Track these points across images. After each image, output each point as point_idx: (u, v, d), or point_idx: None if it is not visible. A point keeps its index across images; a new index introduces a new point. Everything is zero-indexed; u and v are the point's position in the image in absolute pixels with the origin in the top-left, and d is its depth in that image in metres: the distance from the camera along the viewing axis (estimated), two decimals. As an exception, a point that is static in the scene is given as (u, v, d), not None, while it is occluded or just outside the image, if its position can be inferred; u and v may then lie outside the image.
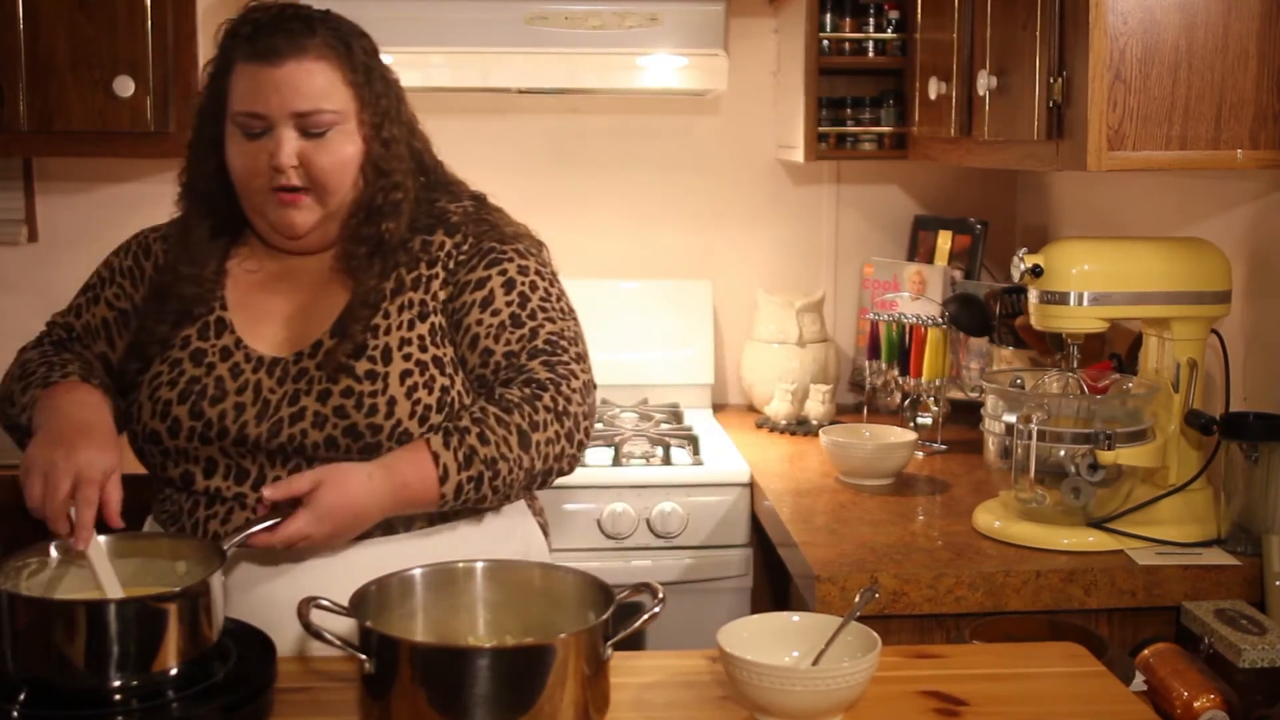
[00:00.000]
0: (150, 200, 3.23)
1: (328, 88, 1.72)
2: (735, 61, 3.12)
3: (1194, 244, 2.21)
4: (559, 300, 1.82)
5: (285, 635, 1.59)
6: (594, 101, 3.30)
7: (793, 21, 3.11)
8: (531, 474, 1.70)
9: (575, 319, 1.83)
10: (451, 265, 1.79)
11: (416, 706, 1.35)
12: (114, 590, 1.52)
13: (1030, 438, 2.12)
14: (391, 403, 1.71)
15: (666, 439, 2.90)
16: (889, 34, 3.01)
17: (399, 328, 1.75)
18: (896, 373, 2.97)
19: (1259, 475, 2.11)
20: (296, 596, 1.45)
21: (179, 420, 1.72)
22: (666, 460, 2.82)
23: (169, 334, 1.78)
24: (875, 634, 1.50)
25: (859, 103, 3.06)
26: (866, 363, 3.05)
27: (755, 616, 1.60)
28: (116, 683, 1.38)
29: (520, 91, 3.20)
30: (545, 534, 1.95)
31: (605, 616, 1.43)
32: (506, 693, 1.34)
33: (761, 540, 2.71)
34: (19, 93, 2.77)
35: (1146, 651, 1.89)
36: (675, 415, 3.17)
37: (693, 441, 2.91)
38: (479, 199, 1.89)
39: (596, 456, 2.84)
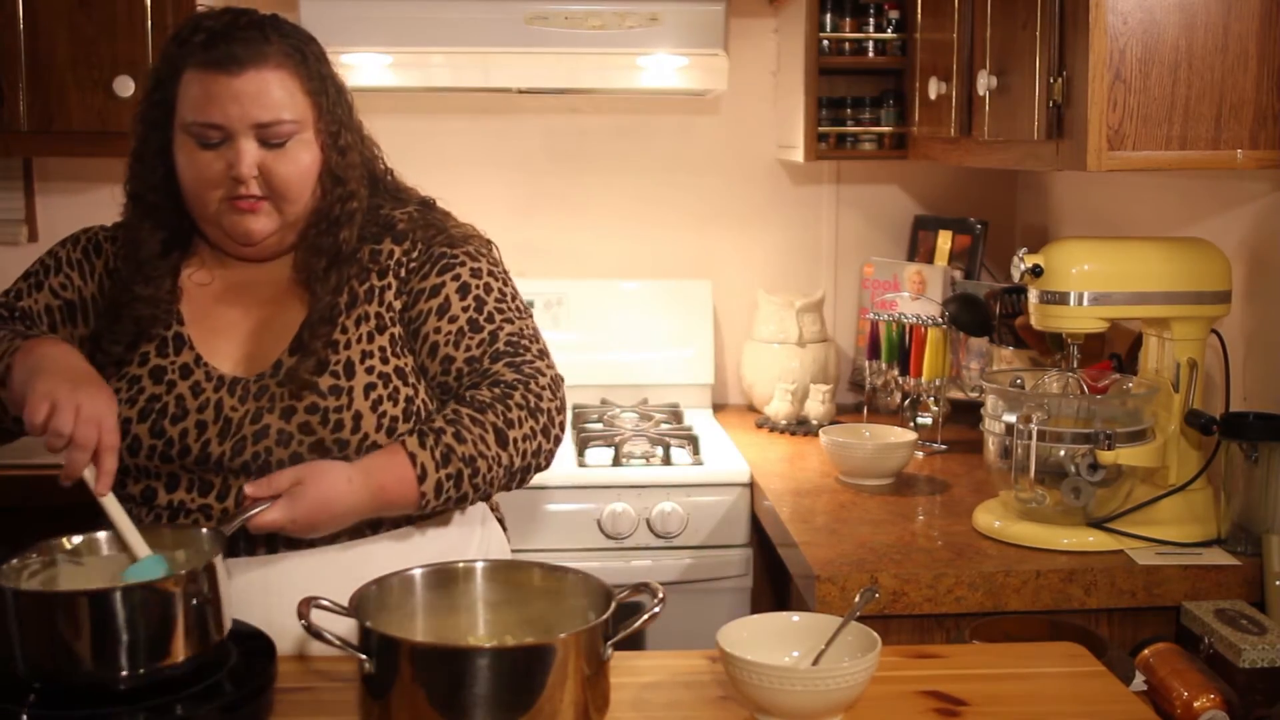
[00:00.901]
0: (150, 200, 3.24)
1: (287, 97, 1.70)
2: (735, 61, 3.12)
3: (1194, 244, 2.21)
4: (514, 300, 1.81)
5: (285, 638, 1.59)
6: (594, 101, 3.30)
7: (793, 21, 3.11)
8: (511, 471, 1.71)
9: (530, 316, 1.84)
10: (403, 274, 1.78)
11: (416, 706, 1.35)
12: (140, 546, 1.53)
13: (1030, 438, 2.12)
14: (357, 417, 1.70)
15: (666, 439, 2.90)
16: (889, 34, 3.01)
17: (358, 341, 1.74)
18: (896, 373, 2.97)
19: (1259, 475, 2.11)
20: (288, 599, 1.45)
21: (139, 439, 1.70)
22: (666, 460, 2.82)
23: (124, 353, 1.75)
24: (875, 634, 1.50)
25: (859, 103, 3.06)
26: (866, 363, 3.05)
27: (755, 616, 1.60)
28: (124, 673, 1.37)
29: (520, 91, 3.20)
30: (504, 529, 1.95)
31: (605, 616, 1.43)
32: (506, 693, 1.34)
33: (761, 540, 2.71)
34: (19, 93, 2.77)
35: (1146, 651, 1.89)
36: (675, 415, 3.17)
37: (693, 441, 2.91)
38: (425, 203, 1.87)
39: (596, 456, 2.84)
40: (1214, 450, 2.18)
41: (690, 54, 2.93)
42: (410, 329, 1.77)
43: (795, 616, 1.59)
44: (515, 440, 1.70)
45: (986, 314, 2.72)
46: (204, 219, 1.75)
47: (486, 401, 1.70)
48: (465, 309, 1.76)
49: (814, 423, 3.05)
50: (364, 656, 1.38)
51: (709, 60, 2.96)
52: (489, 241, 1.86)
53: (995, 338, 2.77)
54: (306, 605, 1.42)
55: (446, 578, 1.55)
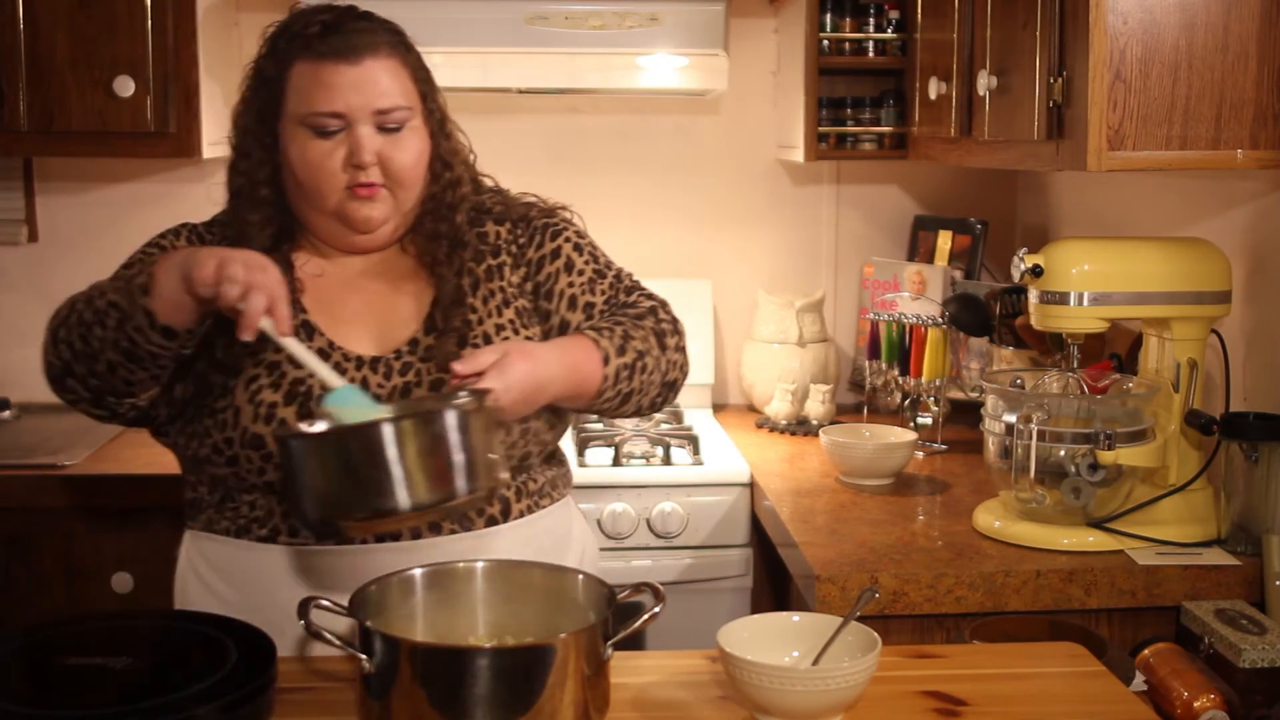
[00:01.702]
0: (150, 200, 3.24)
1: (399, 85, 1.75)
2: (735, 61, 3.12)
3: (1194, 244, 2.21)
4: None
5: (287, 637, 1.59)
6: (594, 101, 3.30)
7: (793, 21, 3.11)
8: (664, 380, 1.83)
9: None
10: (515, 250, 1.86)
11: (416, 706, 1.35)
12: (333, 377, 1.55)
13: (1030, 438, 2.12)
14: None
15: (666, 439, 2.90)
16: (889, 34, 3.01)
17: (491, 316, 1.80)
18: (896, 373, 2.97)
19: (1259, 475, 2.11)
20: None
21: (285, 422, 1.70)
22: (666, 460, 2.82)
23: (257, 342, 1.71)
24: (875, 634, 1.50)
25: (859, 103, 3.06)
26: (866, 363, 3.05)
27: (755, 616, 1.60)
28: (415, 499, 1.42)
29: (520, 91, 3.20)
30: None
31: (605, 616, 1.43)
32: (506, 693, 1.34)
33: (761, 540, 2.71)
34: (19, 93, 2.77)
35: (1146, 651, 1.89)
36: (675, 415, 3.17)
37: (693, 441, 2.91)
38: (496, 188, 1.93)
39: (596, 456, 2.84)
40: (1214, 450, 2.18)
41: (690, 54, 2.93)
42: (543, 292, 1.85)
43: (795, 616, 1.59)
44: (668, 349, 1.84)
45: (986, 314, 2.72)
46: (320, 210, 1.77)
47: (641, 311, 1.85)
48: (586, 262, 1.88)
49: (814, 423, 3.05)
50: (364, 656, 1.38)
51: (709, 60, 2.96)
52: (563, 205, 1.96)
53: (995, 338, 2.77)
54: (306, 605, 1.42)
55: (446, 578, 1.55)
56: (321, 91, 1.70)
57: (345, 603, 1.45)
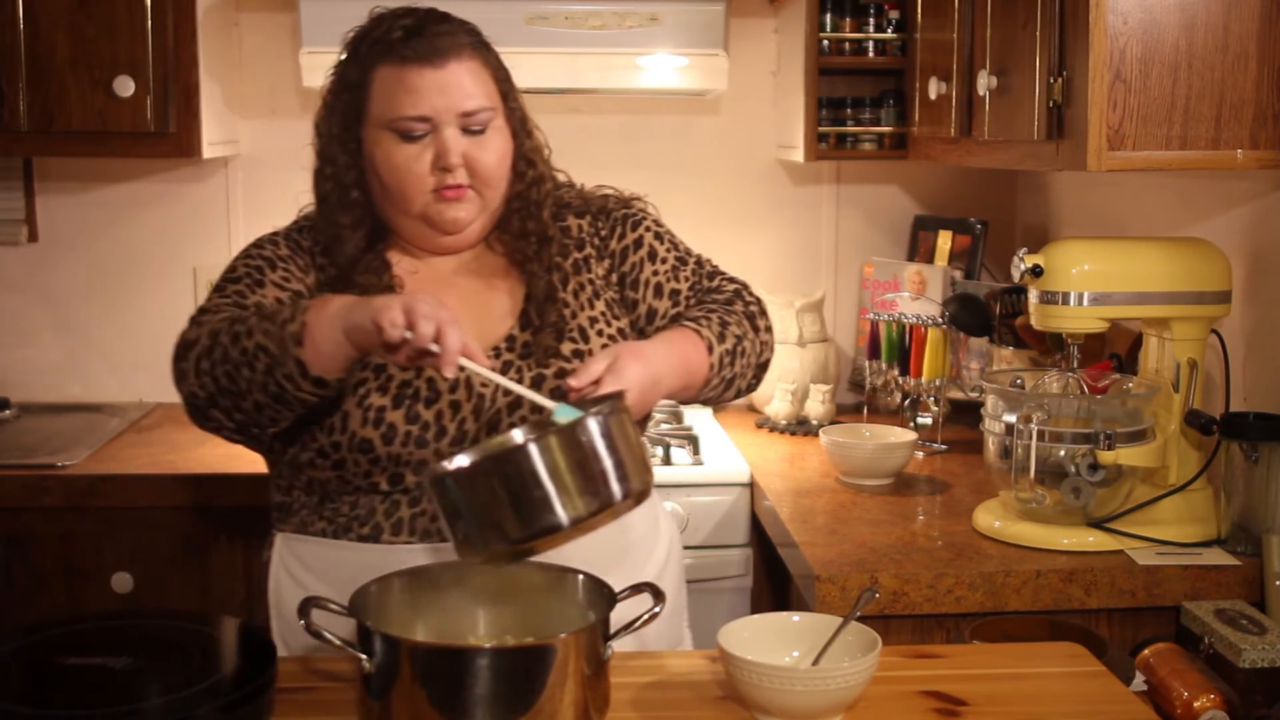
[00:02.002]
0: (150, 200, 3.25)
1: (482, 86, 1.76)
2: (735, 61, 3.12)
3: (1194, 244, 2.21)
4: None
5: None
6: (594, 101, 3.30)
7: (793, 21, 3.11)
8: (758, 360, 1.86)
9: None
10: (597, 243, 1.89)
11: (416, 706, 1.35)
12: (544, 401, 1.54)
13: (1030, 438, 2.12)
14: None
15: (666, 439, 2.89)
16: (889, 34, 3.01)
17: (583, 309, 1.82)
18: (896, 373, 2.97)
19: (1259, 475, 2.11)
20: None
21: (394, 426, 1.70)
22: (666, 460, 2.82)
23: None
24: (875, 634, 1.50)
25: (859, 103, 3.06)
26: (866, 363, 3.05)
27: (755, 616, 1.60)
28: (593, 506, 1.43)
29: (520, 91, 3.20)
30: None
31: (605, 616, 1.43)
32: (506, 693, 1.34)
33: (761, 540, 2.71)
34: (19, 93, 2.77)
35: (1146, 651, 1.89)
36: (675, 415, 3.16)
37: (693, 441, 2.91)
38: (570, 183, 1.95)
39: (596, 456, 2.83)
40: (1214, 450, 2.18)
41: (690, 54, 2.93)
42: (628, 282, 1.88)
43: (795, 616, 1.59)
44: (760, 329, 1.88)
45: (986, 314, 2.72)
46: (406, 213, 1.78)
47: (728, 297, 1.88)
48: (668, 250, 1.92)
49: (814, 423, 3.05)
50: (364, 656, 1.38)
51: (709, 60, 2.96)
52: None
53: (995, 338, 2.77)
54: (306, 605, 1.42)
55: (447, 578, 1.55)
56: (406, 96, 1.72)
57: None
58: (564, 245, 1.86)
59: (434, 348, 1.49)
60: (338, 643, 1.38)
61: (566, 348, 1.78)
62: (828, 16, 3.00)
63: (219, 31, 3.03)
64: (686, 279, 1.91)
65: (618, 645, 1.44)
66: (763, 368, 1.90)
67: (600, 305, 1.84)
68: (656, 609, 1.45)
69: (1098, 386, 2.22)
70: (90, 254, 3.25)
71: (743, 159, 3.36)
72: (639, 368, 1.63)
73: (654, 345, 1.72)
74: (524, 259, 1.83)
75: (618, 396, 1.51)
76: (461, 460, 1.52)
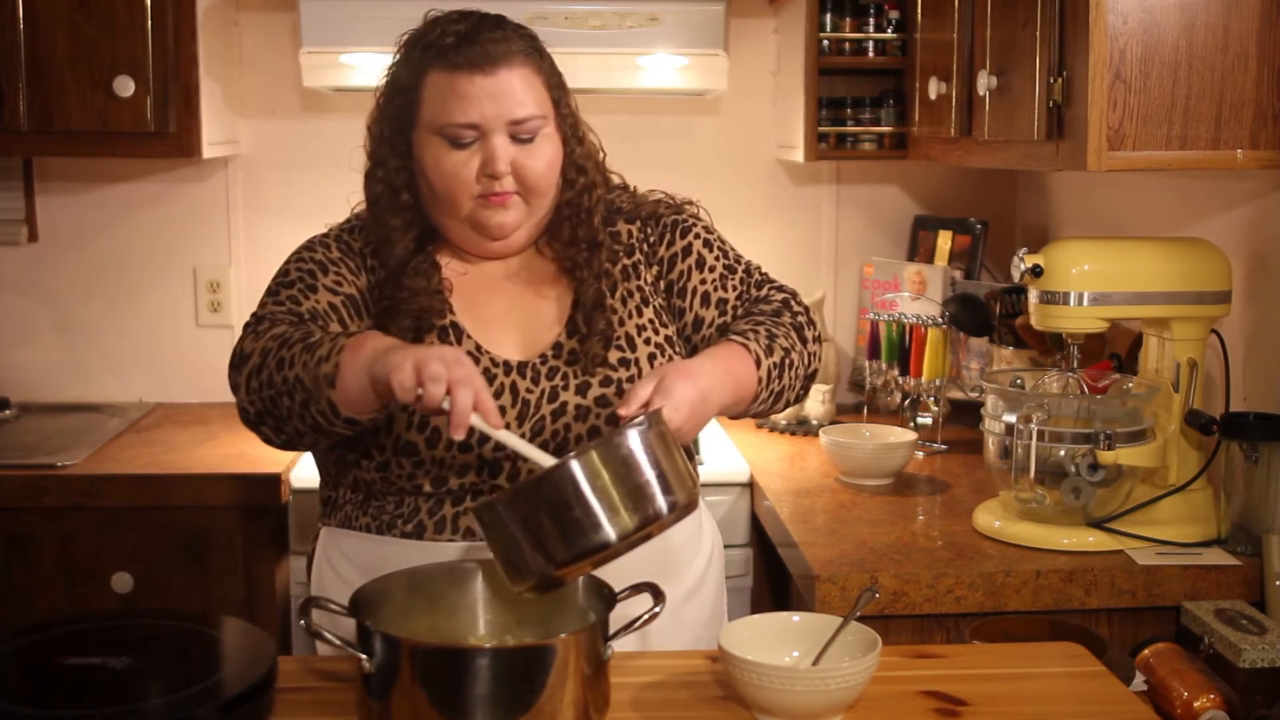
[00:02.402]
0: (150, 200, 3.25)
1: (533, 93, 1.76)
2: (735, 61, 3.12)
3: (1194, 244, 2.21)
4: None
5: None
6: (594, 101, 3.28)
7: (793, 21, 3.11)
8: (807, 371, 1.85)
9: None
10: (646, 248, 1.88)
11: (416, 706, 1.35)
12: (541, 457, 1.51)
13: (1030, 438, 2.12)
14: None
15: (666, 439, 2.89)
16: (889, 34, 3.01)
17: (631, 317, 1.82)
18: (896, 373, 2.97)
19: (1259, 475, 2.11)
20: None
21: (438, 430, 1.70)
22: (666, 460, 2.82)
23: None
24: (875, 634, 1.50)
25: (859, 103, 3.06)
26: (866, 363, 3.05)
27: (755, 616, 1.60)
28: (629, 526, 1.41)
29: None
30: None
31: (605, 616, 1.43)
32: (506, 693, 1.34)
33: (761, 540, 2.71)
34: (19, 93, 2.77)
35: (1146, 651, 1.89)
36: (675, 415, 3.16)
37: (693, 441, 2.90)
38: (624, 185, 1.95)
39: (596, 456, 2.83)
40: (1214, 450, 2.18)
41: (690, 54, 2.93)
42: (675, 290, 1.88)
43: (795, 616, 1.59)
44: (808, 340, 1.86)
45: (986, 314, 2.72)
46: (454, 217, 1.78)
47: (775, 308, 1.86)
48: (717, 258, 1.90)
49: (814, 423, 3.05)
50: (364, 656, 1.38)
51: (709, 60, 2.95)
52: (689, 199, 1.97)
53: (995, 338, 2.77)
54: (306, 605, 1.42)
55: (447, 578, 1.55)
56: (457, 103, 1.71)
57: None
58: (614, 251, 1.86)
59: (446, 406, 1.47)
60: (338, 643, 1.38)
61: (613, 356, 1.78)
62: (828, 16, 3.00)
63: (219, 31, 3.03)
64: (734, 288, 1.89)
65: (618, 645, 1.44)
66: (810, 379, 1.88)
67: (649, 313, 1.84)
68: (657, 609, 1.45)
69: (1098, 386, 2.22)
70: (90, 254, 3.25)
71: (743, 159, 3.36)
72: (687, 386, 1.60)
73: (700, 362, 1.68)
74: (573, 266, 1.82)
75: (655, 412, 1.50)
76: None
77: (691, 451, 1.56)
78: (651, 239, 1.89)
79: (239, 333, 1.73)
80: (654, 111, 3.33)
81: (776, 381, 1.78)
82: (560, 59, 2.92)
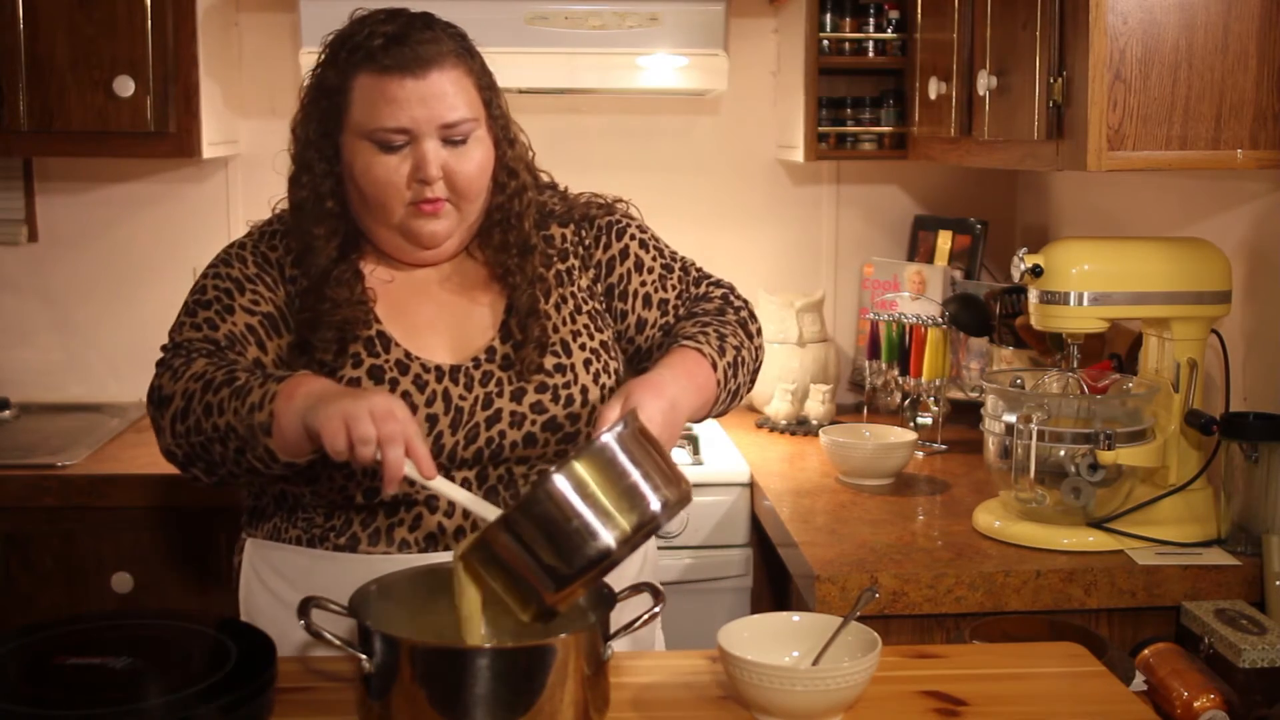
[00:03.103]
0: (150, 200, 3.25)
1: (465, 95, 1.72)
2: (735, 61, 3.12)
3: (1194, 244, 2.21)
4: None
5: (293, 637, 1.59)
6: (594, 101, 3.30)
7: (793, 21, 3.11)
8: (755, 364, 1.86)
9: None
10: (582, 252, 1.86)
11: (416, 706, 1.35)
12: (490, 511, 1.50)
13: (1030, 438, 2.12)
14: (584, 390, 1.75)
15: (666, 439, 2.89)
16: (889, 34, 3.01)
17: (566, 322, 1.80)
18: (896, 373, 2.97)
19: (1259, 475, 2.11)
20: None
21: None
22: (666, 460, 2.82)
23: (335, 360, 1.71)
24: (875, 634, 1.50)
25: (859, 103, 3.06)
26: (866, 363, 3.05)
27: (755, 616, 1.60)
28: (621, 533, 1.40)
29: (520, 91, 3.20)
30: None
31: (605, 616, 1.43)
32: (506, 693, 1.34)
33: (761, 540, 2.71)
34: (19, 93, 2.77)
35: (1146, 651, 1.89)
36: (675, 415, 3.16)
37: (692, 441, 2.91)
38: (553, 184, 1.92)
39: (596, 456, 2.83)
40: (1214, 450, 2.18)
41: (690, 54, 2.93)
42: (617, 293, 1.87)
43: (795, 616, 1.59)
44: (754, 335, 1.87)
45: (986, 314, 2.72)
46: (384, 224, 1.75)
47: (718, 305, 1.87)
48: (654, 258, 1.90)
49: (814, 423, 3.05)
50: (364, 656, 1.38)
51: (709, 60, 2.95)
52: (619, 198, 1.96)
53: (995, 338, 2.77)
54: (306, 605, 1.42)
55: (447, 578, 1.54)
56: (386, 106, 1.67)
57: None
58: (547, 256, 1.83)
59: (378, 458, 1.47)
60: (338, 643, 1.38)
61: (549, 362, 1.76)
62: (828, 16, 3.00)
63: (219, 31, 3.03)
64: (674, 287, 1.89)
65: (618, 645, 1.44)
66: (756, 373, 1.88)
67: (583, 319, 1.82)
68: (656, 609, 1.45)
69: (1098, 386, 2.22)
70: (90, 254, 3.25)
71: (743, 159, 3.36)
72: (655, 398, 1.58)
73: (661, 374, 1.67)
74: (505, 272, 1.79)
75: (630, 413, 1.49)
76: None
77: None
78: (587, 242, 1.87)
79: None
80: (654, 111, 3.32)
81: (732, 380, 1.78)
82: (560, 59, 2.95)
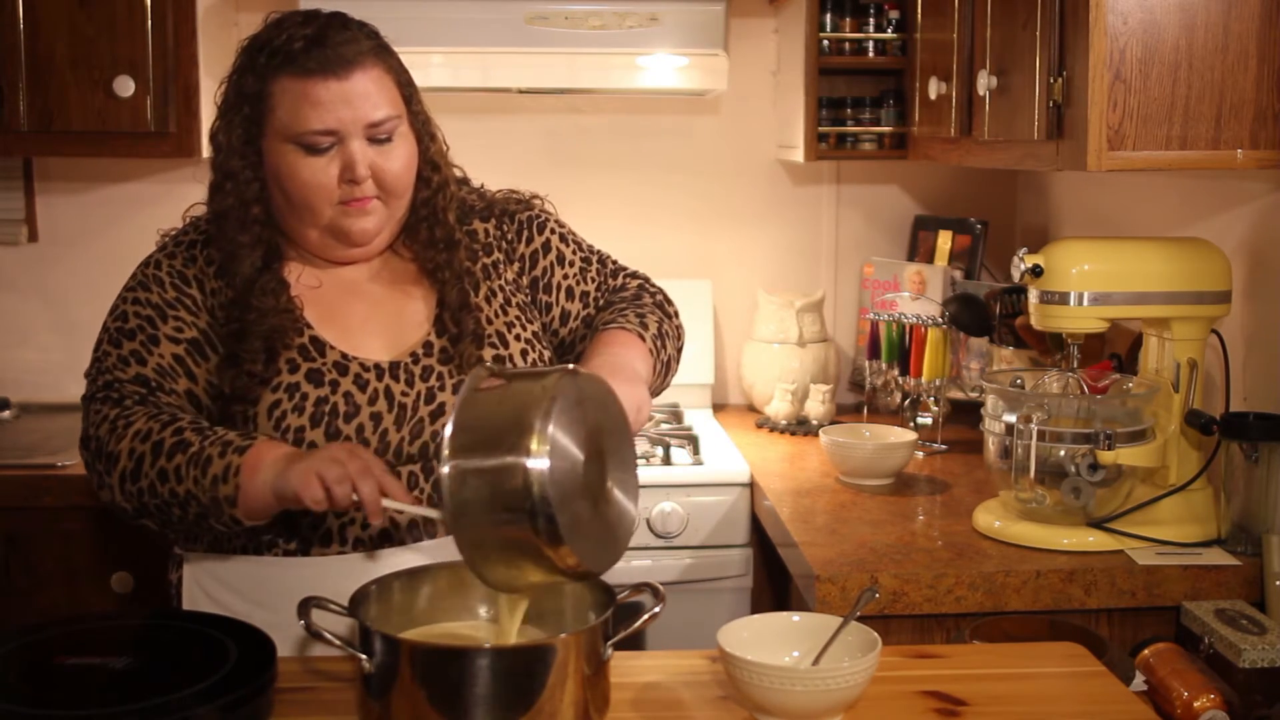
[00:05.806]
0: (150, 200, 3.25)
1: (387, 93, 1.72)
2: (735, 61, 3.12)
3: (1194, 244, 2.21)
4: None
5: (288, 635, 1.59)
6: (594, 101, 3.30)
7: (793, 21, 3.11)
8: (678, 344, 1.91)
9: None
10: (505, 246, 1.88)
11: (416, 706, 1.35)
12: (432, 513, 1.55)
13: (1030, 438, 2.12)
14: None
15: (666, 439, 2.89)
16: (889, 34, 3.01)
17: (498, 314, 1.81)
18: (896, 373, 2.97)
19: (1259, 475, 2.11)
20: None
21: (315, 445, 1.67)
22: (666, 460, 2.82)
23: (265, 370, 1.70)
24: (875, 634, 1.50)
25: (859, 103, 3.06)
26: (866, 363, 3.05)
27: (755, 616, 1.59)
28: None
29: (520, 91, 3.20)
30: None
31: (605, 616, 1.43)
32: (506, 693, 1.34)
33: (761, 540, 2.71)
34: (19, 93, 2.77)
35: (1146, 651, 1.89)
36: (675, 415, 3.17)
37: (693, 441, 2.91)
38: (465, 179, 1.92)
39: (596, 456, 2.83)
40: (1214, 450, 2.18)
41: (690, 54, 2.93)
42: (541, 286, 1.89)
43: (795, 616, 1.59)
44: (671, 315, 1.92)
45: (986, 314, 2.72)
46: (313, 226, 1.74)
47: (634, 293, 1.92)
48: (574, 252, 1.93)
49: (814, 423, 3.05)
50: (364, 656, 1.38)
51: (709, 60, 2.96)
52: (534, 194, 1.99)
53: (995, 338, 2.77)
54: (306, 605, 1.42)
55: (447, 577, 1.55)
56: (311, 109, 1.67)
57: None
58: (472, 249, 1.84)
59: (356, 497, 1.52)
60: (337, 643, 1.38)
61: (488, 354, 1.77)
62: (828, 16, 3.00)
63: (219, 31, 3.03)
64: (593, 279, 1.92)
65: (617, 645, 1.44)
66: (680, 352, 1.92)
67: (513, 311, 1.83)
68: (656, 609, 1.45)
69: (1098, 386, 2.22)
70: (90, 254, 3.25)
71: (743, 159, 3.36)
72: (613, 385, 1.52)
73: (603, 353, 1.73)
74: (434, 267, 1.79)
75: (567, 370, 1.43)
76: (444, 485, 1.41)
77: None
78: (509, 236, 1.89)
79: None
80: (654, 111, 3.33)
81: (662, 352, 1.83)
82: (560, 59, 2.95)
